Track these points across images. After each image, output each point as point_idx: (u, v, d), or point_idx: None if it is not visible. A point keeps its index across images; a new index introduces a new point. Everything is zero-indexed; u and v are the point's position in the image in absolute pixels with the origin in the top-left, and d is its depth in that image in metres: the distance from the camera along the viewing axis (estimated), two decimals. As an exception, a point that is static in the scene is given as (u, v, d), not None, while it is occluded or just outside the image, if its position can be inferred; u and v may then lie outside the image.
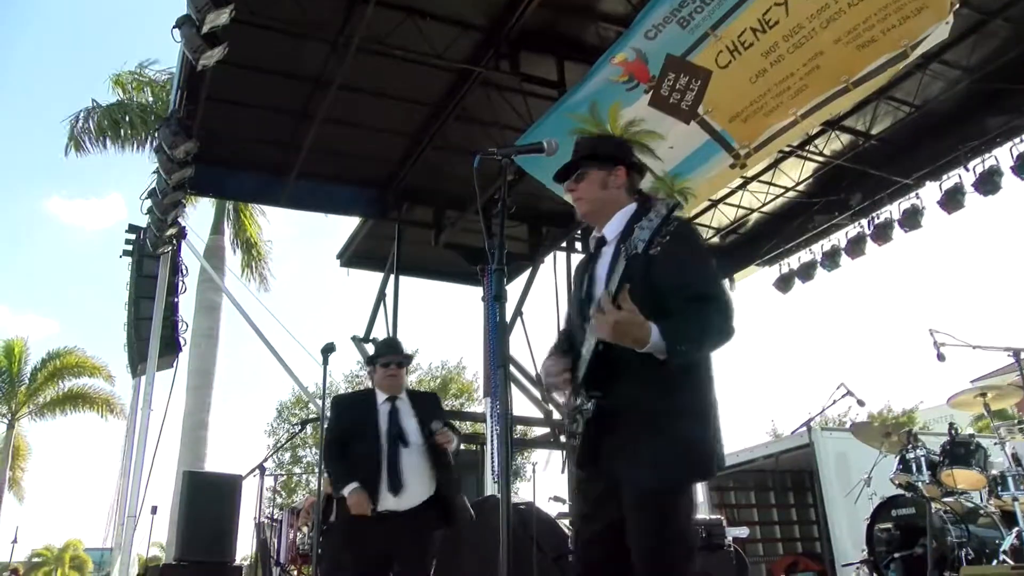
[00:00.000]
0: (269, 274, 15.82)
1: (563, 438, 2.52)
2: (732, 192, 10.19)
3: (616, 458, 2.20)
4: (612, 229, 2.47)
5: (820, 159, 9.42)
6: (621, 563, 2.22)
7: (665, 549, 2.12)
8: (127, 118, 12.24)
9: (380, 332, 10.90)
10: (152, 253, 9.14)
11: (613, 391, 2.22)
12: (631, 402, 2.19)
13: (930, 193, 9.24)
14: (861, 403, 6.27)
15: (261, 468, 7.86)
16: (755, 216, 10.81)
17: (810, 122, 5.72)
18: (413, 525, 3.95)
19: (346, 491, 3.94)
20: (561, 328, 2.77)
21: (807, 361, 58.43)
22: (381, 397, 4.22)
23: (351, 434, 4.12)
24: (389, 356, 4.28)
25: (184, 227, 9.31)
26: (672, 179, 6.34)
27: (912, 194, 9.44)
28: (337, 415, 4.35)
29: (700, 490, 10.17)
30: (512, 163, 2.41)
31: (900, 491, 5.44)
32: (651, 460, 2.13)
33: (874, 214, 9.77)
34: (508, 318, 2.27)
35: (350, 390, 25.34)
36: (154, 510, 8.52)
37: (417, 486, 3.99)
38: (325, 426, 4.38)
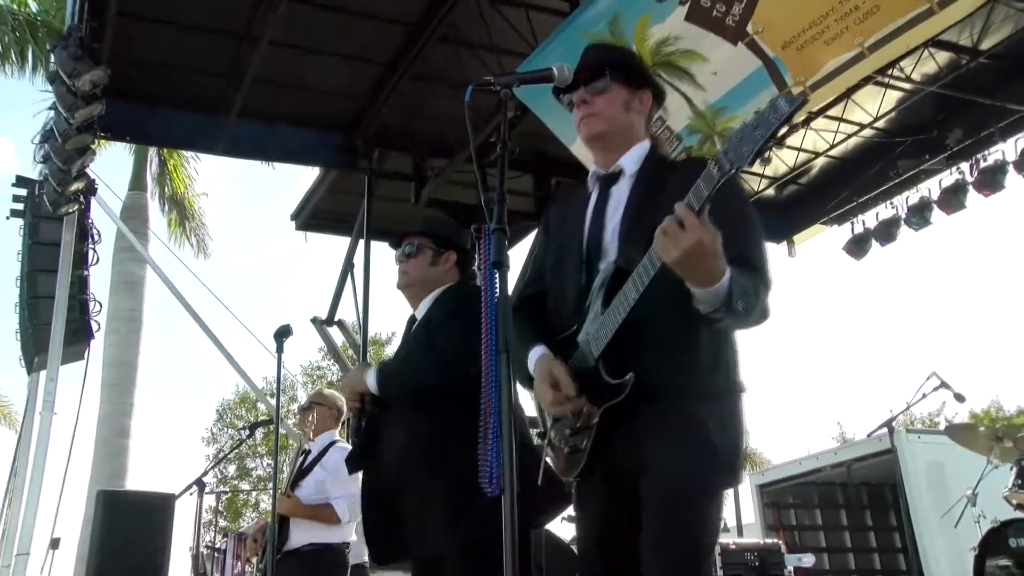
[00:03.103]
0: (207, 238, 15.83)
1: (550, 444, 2.51)
2: (792, 130, 10.08)
3: (634, 452, 2.27)
4: (631, 162, 2.53)
5: (907, 86, 9.26)
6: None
7: (700, 560, 2.22)
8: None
9: (347, 312, 10.89)
10: (52, 214, 9.03)
11: (639, 367, 2.25)
12: (662, 381, 2.26)
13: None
14: (960, 398, 6.24)
15: (199, 484, 7.87)
16: (821, 161, 10.71)
17: (878, 58, 5.64)
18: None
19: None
20: (526, 286, 2.72)
21: (887, 345, 58.39)
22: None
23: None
24: None
25: (94, 180, 9.20)
26: (715, 114, 6.28)
27: (1035, 127, 9.27)
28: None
29: (752, 507, 10.22)
30: (513, 96, 2.37)
31: (1021, 514, 5.40)
32: (693, 453, 2.22)
33: (979, 155, 9.63)
34: (510, 291, 2.25)
35: (311, 382, 25.39)
36: (55, 544, 8.40)
37: None
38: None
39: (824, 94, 5.99)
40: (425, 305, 3.62)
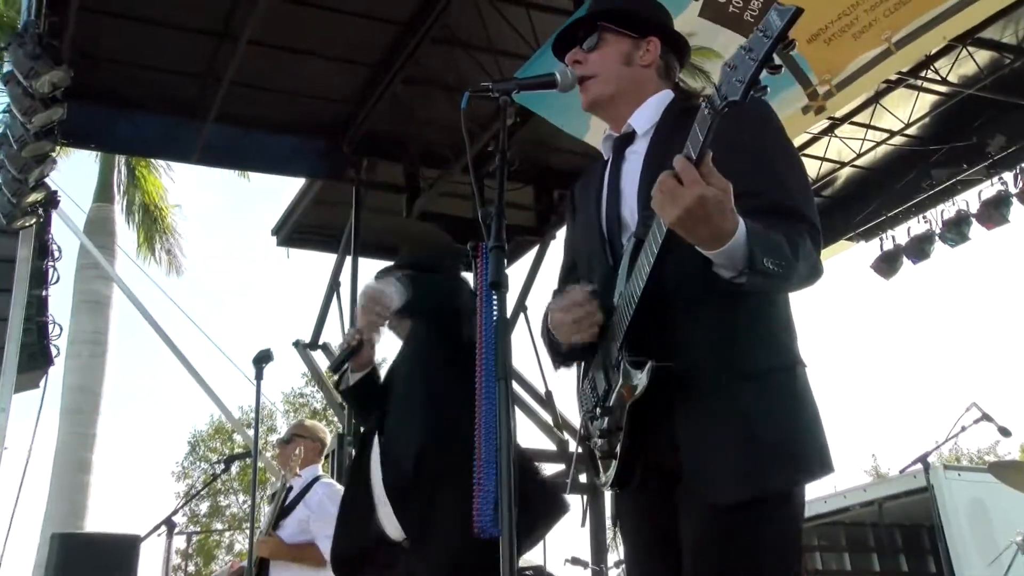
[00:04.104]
0: (179, 254, 15.82)
1: (580, 449, 2.36)
2: (814, 139, 10.10)
3: (670, 453, 2.10)
4: (644, 119, 2.40)
5: (942, 89, 9.27)
6: None
7: None
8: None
9: (333, 335, 10.86)
10: (6, 228, 9.01)
11: (668, 350, 2.08)
12: (692, 364, 2.08)
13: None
14: (1005, 432, 6.19)
15: (168, 524, 7.81)
16: (847, 171, 10.72)
17: (905, 56, 5.66)
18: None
19: None
20: (566, 275, 2.61)
21: (922, 372, 58.44)
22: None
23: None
24: None
25: (55, 192, 9.20)
26: None
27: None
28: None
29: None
30: (513, 102, 2.35)
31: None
32: (734, 455, 2.03)
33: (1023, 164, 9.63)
34: (509, 313, 2.20)
35: (293, 411, 25.36)
36: None
37: None
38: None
39: (848, 96, 5.98)
40: None
